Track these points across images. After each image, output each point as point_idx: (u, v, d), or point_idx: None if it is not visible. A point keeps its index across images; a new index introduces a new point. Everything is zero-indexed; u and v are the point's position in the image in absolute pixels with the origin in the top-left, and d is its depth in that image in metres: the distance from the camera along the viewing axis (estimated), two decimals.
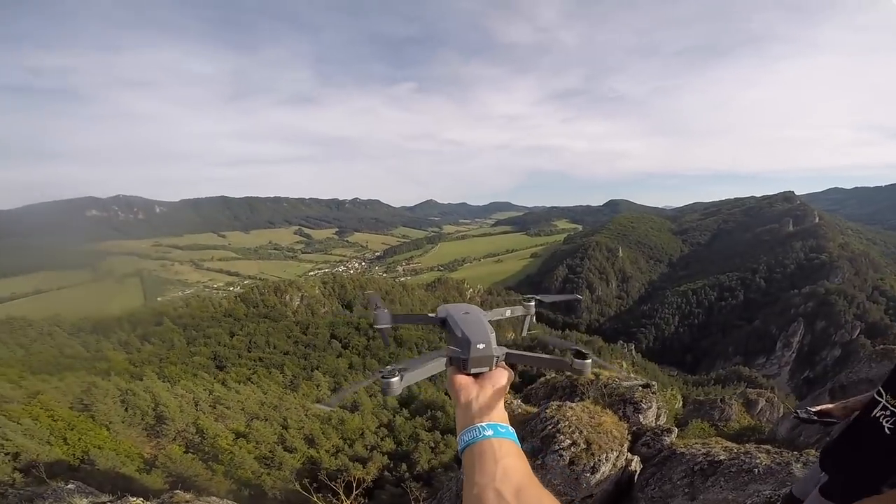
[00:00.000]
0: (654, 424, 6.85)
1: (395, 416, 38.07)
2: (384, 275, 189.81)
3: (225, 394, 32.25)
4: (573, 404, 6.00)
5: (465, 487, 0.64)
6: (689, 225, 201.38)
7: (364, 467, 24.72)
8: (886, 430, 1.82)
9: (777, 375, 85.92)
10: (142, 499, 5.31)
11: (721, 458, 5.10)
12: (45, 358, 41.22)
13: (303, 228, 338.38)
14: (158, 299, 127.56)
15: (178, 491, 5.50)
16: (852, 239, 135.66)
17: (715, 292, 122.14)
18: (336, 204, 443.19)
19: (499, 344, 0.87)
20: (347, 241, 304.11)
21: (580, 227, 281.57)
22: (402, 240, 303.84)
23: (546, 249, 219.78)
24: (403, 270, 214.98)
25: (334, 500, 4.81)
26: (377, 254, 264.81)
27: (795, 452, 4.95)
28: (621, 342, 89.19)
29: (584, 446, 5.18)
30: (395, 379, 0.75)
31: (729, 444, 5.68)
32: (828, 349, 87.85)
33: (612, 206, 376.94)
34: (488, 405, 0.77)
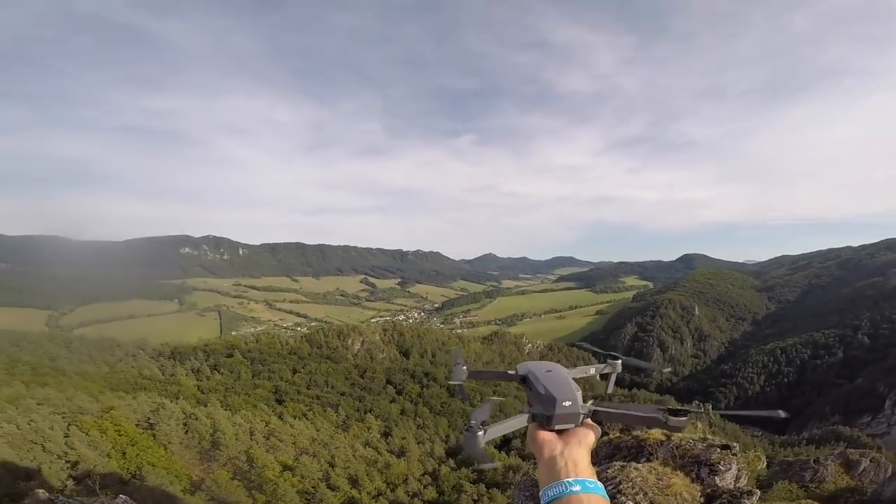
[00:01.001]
0: (732, 486, 6.30)
1: (440, 466, 36.59)
2: (441, 326, 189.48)
3: (280, 426, 33.21)
4: (639, 465, 5.74)
5: None
6: (774, 281, 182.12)
7: None
8: None
9: (886, 434, 72.00)
10: None
11: None
12: (125, 377, 45.11)
13: (368, 277, 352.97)
14: (233, 333, 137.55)
15: None
16: None
17: (808, 350, 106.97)
18: (400, 255, 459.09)
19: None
20: (409, 291, 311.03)
21: (651, 285, 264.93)
22: (461, 293, 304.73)
23: (613, 307, 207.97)
24: (461, 322, 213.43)
25: None
26: (436, 305, 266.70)
27: None
28: (696, 402, 79.80)
29: None
30: (481, 434, 0.74)
31: None
32: None
33: (686, 260, 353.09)
34: (574, 461, 0.75)
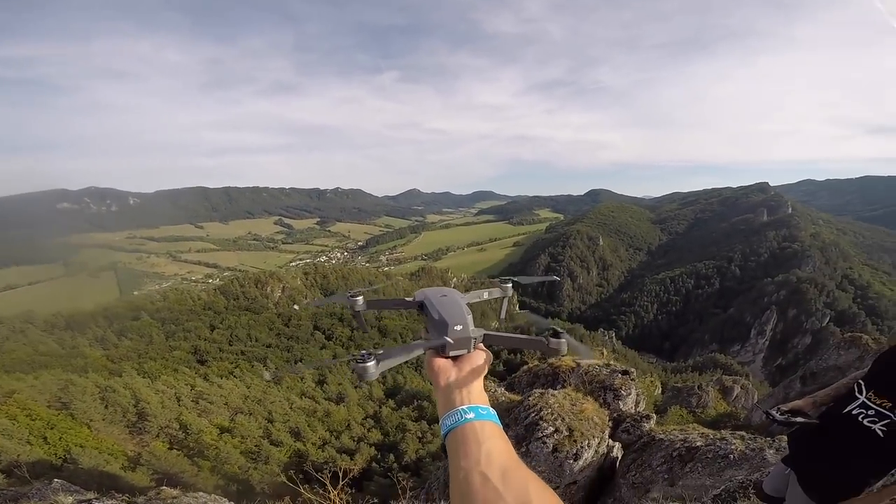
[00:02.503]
0: (633, 411, 7.02)
1: (381, 407, 38.40)
2: (367, 265, 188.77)
3: (207, 388, 32.04)
4: (555, 392, 6.06)
5: (451, 472, 0.63)
6: (667, 215, 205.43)
7: (351, 459, 25.05)
8: (878, 431, 1.83)
9: (751, 362, 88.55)
10: (128, 495, 5.36)
11: (698, 444, 5.23)
12: (18, 356, 39.89)
13: (283, 218, 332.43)
14: (135, 293, 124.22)
15: (164, 487, 5.54)
16: (823, 229, 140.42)
17: (692, 280, 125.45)
18: (318, 193, 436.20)
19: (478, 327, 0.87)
20: (329, 231, 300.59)
21: (562, 217, 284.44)
22: (386, 229, 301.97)
23: (528, 238, 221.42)
24: (387, 260, 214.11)
25: (322, 492, 4.77)
26: (360, 244, 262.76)
27: (769, 439, 5.12)
28: (602, 329, 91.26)
29: (567, 433, 5.25)
30: (371, 363, 0.74)
31: (706, 430, 5.84)
32: (799, 337, 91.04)
33: (594, 195, 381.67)
34: (468, 388, 0.77)
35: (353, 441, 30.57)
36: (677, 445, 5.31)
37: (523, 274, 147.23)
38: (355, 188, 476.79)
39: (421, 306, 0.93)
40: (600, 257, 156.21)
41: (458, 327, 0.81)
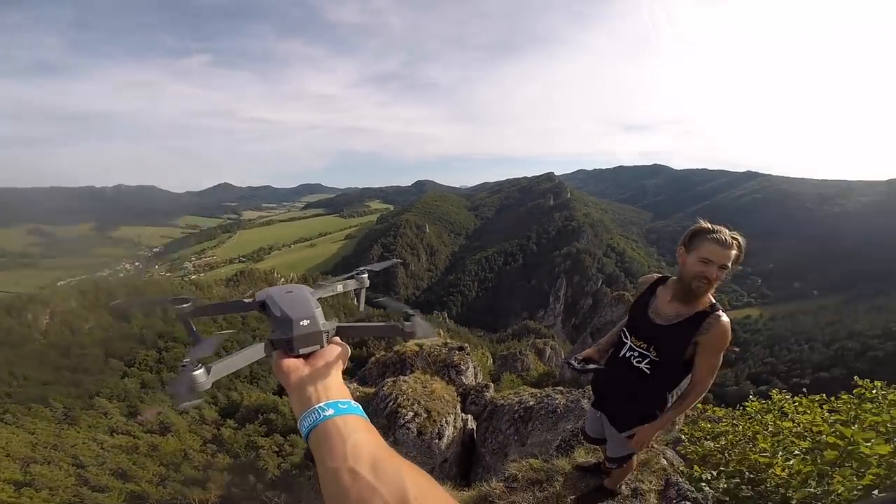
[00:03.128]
0: (475, 383, 7.49)
1: (219, 429, 33.34)
2: (168, 274, 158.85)
3: None
4: (406, 378, 6.19)
5: (319, 475, 0.56)
6: (480, 202, 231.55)
7: (203, 489, 21.22)
8: (645, 369, 2.10)
9: (554, 325, 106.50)
10: None
11: (531, 403, 5.60)
12: None
13: (41, 226, 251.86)
14: None
15: None
16: (592, 210, 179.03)
17: (501, 258, 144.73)
18: (91, 193, 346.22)
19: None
20: (111, 237, 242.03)
21: (391, 207, 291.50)
22: (190, 230, 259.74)
23: (360, 230, 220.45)
24: (194, 266, 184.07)
25: None
26: (156, 249, 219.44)
27: (581, 390, 5.70)
28: (436, 312, 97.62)
29: (426, 415, 5.41)
30: (200, 371, 0.62)
31: (534, 390, 6.22)
32: (584, 299, 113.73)
33: (420, 186, 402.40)
34: (324, 383, 0.70)
35: (199, 470, 25.92)
36: (516, 408, 5.67)
37: (358, 267, 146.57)
38: (146, 184, 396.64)
39: (263, 306, 0.80)
40: (428, 244, 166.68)
41: (305, 322, 0.74)
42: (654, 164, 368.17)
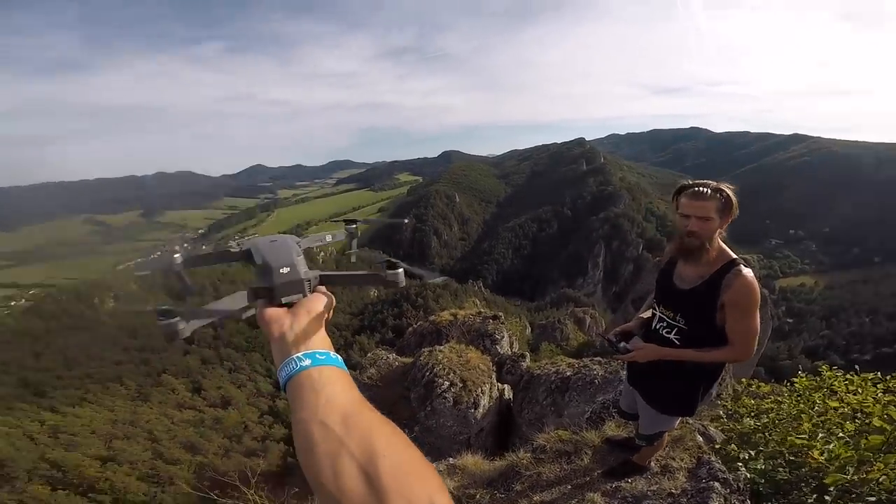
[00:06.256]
0: (510, 352, 7.45)
1: (275, 401, 36.50)
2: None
3: (61, 420, 26.71)
4: (442, 347, 6.21)
5: (292, 425, 0.54)
6: (509, 170, 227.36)
7: (263, 459, 24.06)
8: (675, 340, 1.98)
9: (594, 293, 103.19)
10: None
11: (568, 374, 5.43)
12: None
13: (94, 216, 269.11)
14: None
15: None
16: (628, 174, 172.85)
17: (535, 225, 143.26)
18: (135, 182, 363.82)
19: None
20: (159, 222, 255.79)
21: (420, 179, 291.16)
22: (231, 211, 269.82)
23: (392, 203, 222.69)
24: (238, 245, 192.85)
25: (236, 495, 4.35)
26: (201, 231, 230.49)
27: (620, 361, 5.15)
28: (471, 280, 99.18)
29: (462, 385, 5.42)
30: (176, 319, 0.61)
31: (572, 360, 6.05)
32: (624, 265, 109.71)
33: (446, 156, 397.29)
34: (305, 333, 0.65)
35: (258, 441, 29.07)
36: (553, 378, 5.51)
37: (392, 238, 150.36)
38: (183, 170, 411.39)
39: (248, 256, 0.79)
40: (459, 213, 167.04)
41: (285, 269, 0.72)
42: (692, 127, 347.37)
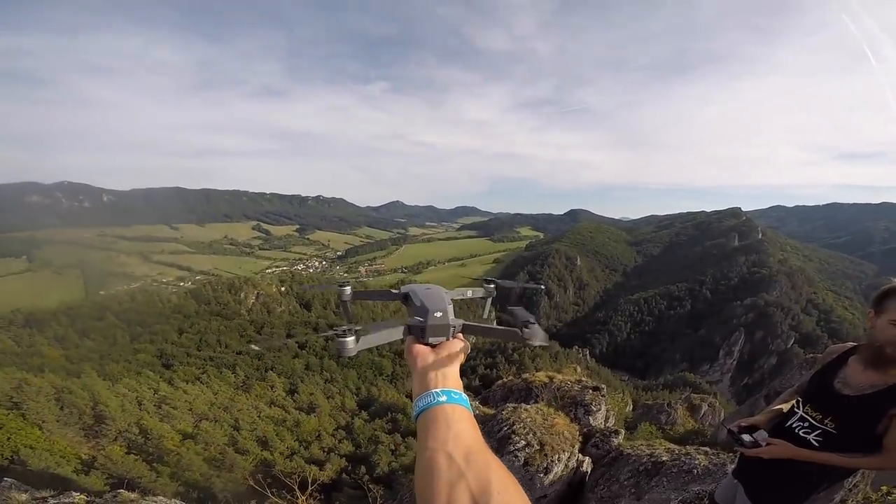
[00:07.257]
0: (603, 426, 7.05)
1: (353, 419, 37.60)
2: (345, 275, 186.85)
3: (171, 393, 30.91)
4: (528, 406, 6.11)
5: (417, 452, 0.64)
6: (643, 237, 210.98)
7: (321, 469, 24.38)
8: (813, 441, 1.91)
9: (719, 382, 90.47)
10: (85, 495, 5.12)
11: (664, 458, 5.25)
12: None
13: (262, 224, 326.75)
14: (101, 292, 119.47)
15: (122, 490, 5.31)
16: (791, 255, 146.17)
17: (665, 301, 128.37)
18: (298, 200, 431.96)
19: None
20: (308, 238, 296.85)
21: (542, 235, 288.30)
22: (366, 240, 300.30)
23: (508, 255, 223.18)
24: (366, 271, 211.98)
25: (290, 498, 4.63)
26: (339, 253, 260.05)
27: (731, 454, 5.09)
28: (576, 347, 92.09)
29: (538, 447, 5.29)
30: (350, 339, 0.76)
31: (672, 445, 5.85)
32: (765, 357, 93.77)
33: (573, 215, 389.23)
34: (443, 372, 0.79)
35: (323, 452, 29.80)
36: (644, 460, 5.34)
37: (501, 291, 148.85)
38: (338, 197, 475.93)
39: (406, 298, 0.97)
40: (577, 277, 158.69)
41: (438, 314, 0.85)
42: (883, 203, 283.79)
